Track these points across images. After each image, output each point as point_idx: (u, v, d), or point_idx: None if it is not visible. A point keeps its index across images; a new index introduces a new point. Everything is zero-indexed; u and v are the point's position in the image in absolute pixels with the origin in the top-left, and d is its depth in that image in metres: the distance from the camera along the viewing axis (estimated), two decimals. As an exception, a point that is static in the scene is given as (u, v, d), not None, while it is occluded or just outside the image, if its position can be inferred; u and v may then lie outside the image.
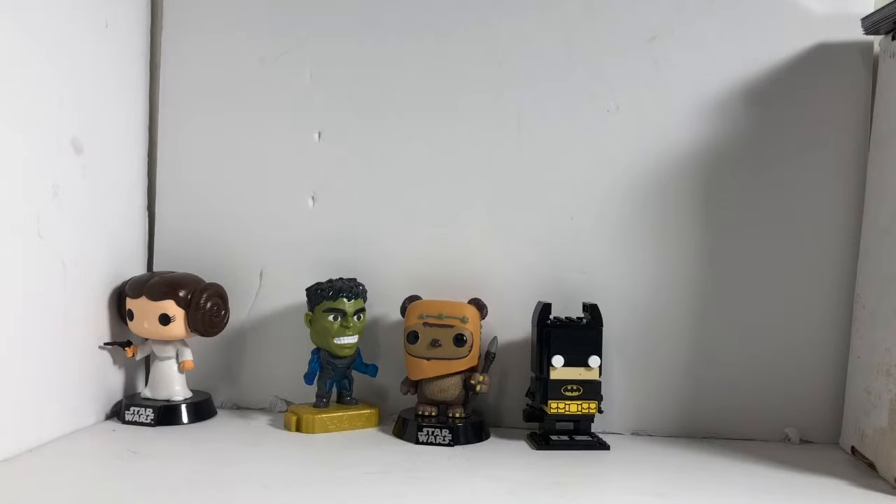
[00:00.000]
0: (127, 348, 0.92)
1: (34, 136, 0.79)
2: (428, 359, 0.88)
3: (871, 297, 0.85)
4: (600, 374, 0.87)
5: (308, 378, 0.92)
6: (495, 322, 0.93)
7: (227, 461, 0.78)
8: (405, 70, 0.97)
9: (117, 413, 0.92)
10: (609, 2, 0.94)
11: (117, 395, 0.94)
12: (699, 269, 0.93)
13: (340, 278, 0.92)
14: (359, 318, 0.91)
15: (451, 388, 0.89)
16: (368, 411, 0.92)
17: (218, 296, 0.93)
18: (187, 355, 0.93)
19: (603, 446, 0.86)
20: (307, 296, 0.92)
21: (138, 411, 0.90)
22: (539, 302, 0.90)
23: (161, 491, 0.69)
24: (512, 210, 0.95)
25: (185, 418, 0.91)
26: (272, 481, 0.72)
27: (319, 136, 0.98)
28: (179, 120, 1.00)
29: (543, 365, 0.87)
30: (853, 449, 0.86)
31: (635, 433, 0.93)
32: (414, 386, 0.91)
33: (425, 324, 0.88)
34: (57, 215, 0.82)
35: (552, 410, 0.86)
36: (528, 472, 0.78)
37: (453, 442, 0.86)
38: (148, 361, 0.97)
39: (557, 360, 0.86)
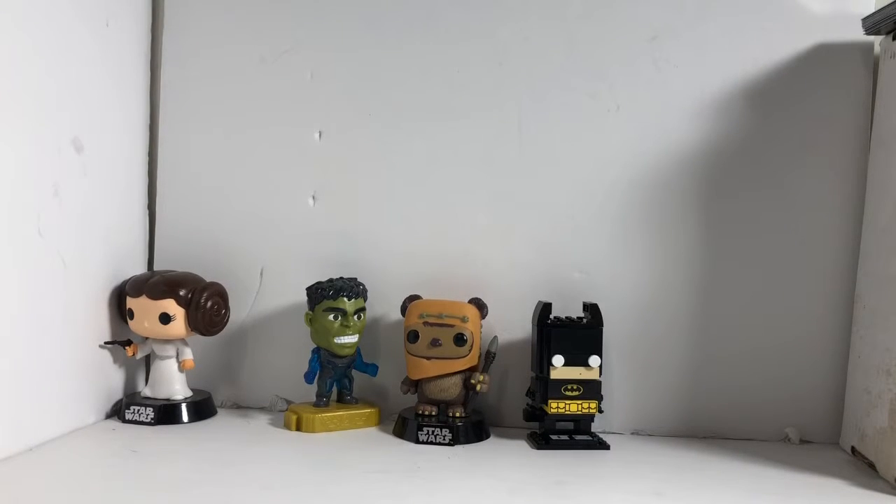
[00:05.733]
0: (127, 347, 0.92)
1: (34, 136, 0.79)
2: (428, 358, 0.88)
3: (871, 297, 0.85)
4: (600, 373, 0.87)
5: (308, 377, 0.92)
6: (495, 322, 0.93)
7: (227, 461, 0.78)
8: (406, 69, 0.97)
9: (117, 412, 0.92)
10: (609, 2, 0.94)
11: (117, 394, 0.94)
12: (699, 269, 0.93)
13: (341, 277, 0.92)
14: (359, 318, 0.91)
15: (452, 388, 0.89)
16: (368, 411, 0.92)
17: (218, 295, 0.93)
18: (187, 354, 0.93)
19: (603, 446, 0.86)
20: (307, 295, 0.92)
21: (138, 410, 0.90)
22: (539, 302, 0.90)
23: (161, 490, 0.69)
24: (512, 210, 0.95)
25: (185, 417, 0.91)
26: (272, 481, 0.72)
27: (320, 135, 0.98)
28: (180, 119, 1.00)
29: (543, 365, 0.87)
30: (853, 449, 0.86)
31: (635, 433, 0.93)
32: (414, 385, 0.91)
33: (425, 323, 0.88)
34: (57, 214, 0.82)
35: (552, 410, 0.86)
36: (528, 472, 0.78)
37: (453, 441, 0.86)
38: (148, 360, 0.97)
39: (557, 360, 0.86)
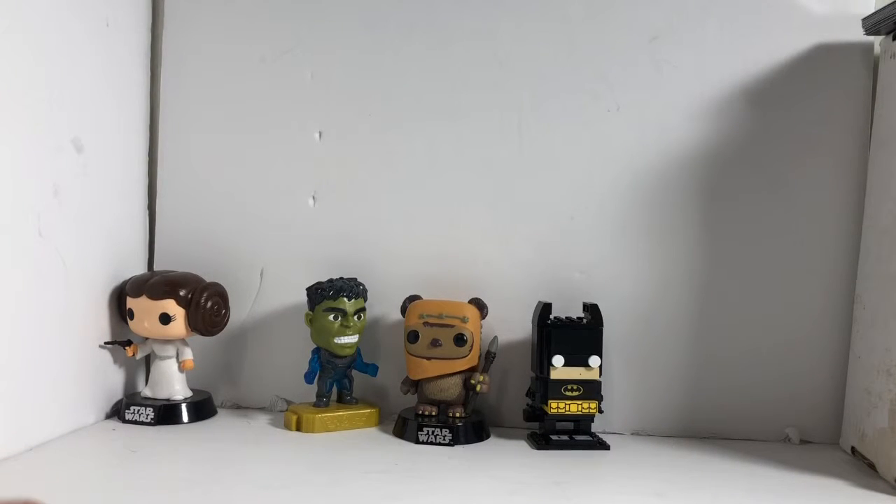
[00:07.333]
0: (127, 347, 0.92)
1: (34, 136, 0.79)
2: (428, 358, 0.88)
3: (871, 297, 0.85)
4: (600, 374, 0.87)
5: (308, 377, 0.92)
6: (495, 322, 0.93)
7: (227, 461, 0.78)
8: (406, 70, 0.97)
9: (117, 412, 0.92)
10: (610, 2, 0.94)
11: (117, 394, 0.94)
12: (699, 270, 0.93)
13: (341, 278, 0.92)
14: (359, 318, 0.91)
15: (452, 388, 0.89)
16: (368, 411, 0.92)
17: (218, 295, 0.93)
18: (188, 354, 0.93)
19: (603, 446, 0.86)
20: (307, 295, 0.92)
21: (138, 410, 0.90)
22: (539, 302, 0.90)
23: (161, 491, 0.69)
24: (512, 210, 0.95)
25: (185, 418, 0.91)
26: (272, 481, 0.72)
27: (320, 135, 0.98)
28: (180, 119, 1.00)
29: (543, 365, 0.87)
30: (853, 449, 0.86)
31: (635, 433, 0.93)
32: (414, 385, 0.91)
33: (426, 323, 0.88)
34: (57, 214, 0.82)
35: (552, 410, 0.86)
36: (528, 472, 0.78)
37: (453, 442, 0.86)
38: (148, 361, 0.97)
39: (557, 360, 0.86)
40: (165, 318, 0.90)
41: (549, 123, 0.95)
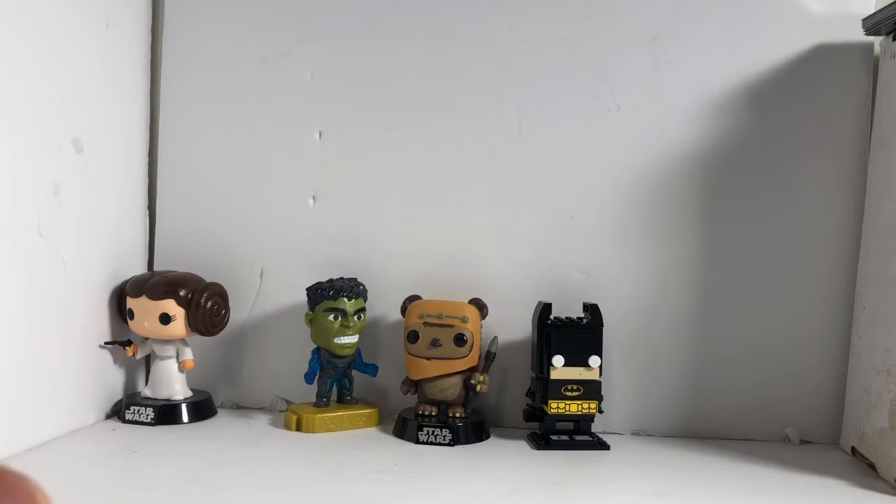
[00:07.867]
0: (127, 347, 0.92)
1: (34, 136, 0.79)
2: (428, 358, 0.88)
3: (871, 297, 0.85)
4: (600, 374, 0.87)
5: (308, 377, 0.92)
6: (495, 322, 0.93)
7: (227, 461, 0.78)
8: (406, 70, 0.97)
9: (117, 412, 0.92)
10: (609, 2, 0.94)
11: (117, 394, 0.94)
12: (699, 270, 0.93)
13: (341, 278, 0.92)
14: (359, 318, 0.91)
15: (452, 388, 0.89)
16: (369, 411, 0.92)
17: (218, 295, 0.93)
18: (188, 355, 0.93)
19: (603, 446, 0.86)
20: (307, 295, 0.92)
21: (138, 410, 0.90)
22: (539, 302, 0.90)
23: (161, 490, 0.69)
24: (512, 210, 0.95)
25: (185, 418, 0.91)
26: (272, 481, 0.72)
27: (320, 135, 0.98)
28: (180, 119, 1.00)
29: (544, 365, 0.87)
30: (853, 449, 0.86)
31: (635, 433, 0.93)
32: (414, 385, 0.91)
33: (426, 323, 0.88)
34: (57, 214, 0.82)
35: (552, 410, 0.86)
36: (528, 472, 0.78)
37: (453, 442, 0.86)
38: (148, 361, 0.97)
39: (558, 360, 0.86)
40: (165, 318, 0.90)
41: (549, 123, 0.95)
